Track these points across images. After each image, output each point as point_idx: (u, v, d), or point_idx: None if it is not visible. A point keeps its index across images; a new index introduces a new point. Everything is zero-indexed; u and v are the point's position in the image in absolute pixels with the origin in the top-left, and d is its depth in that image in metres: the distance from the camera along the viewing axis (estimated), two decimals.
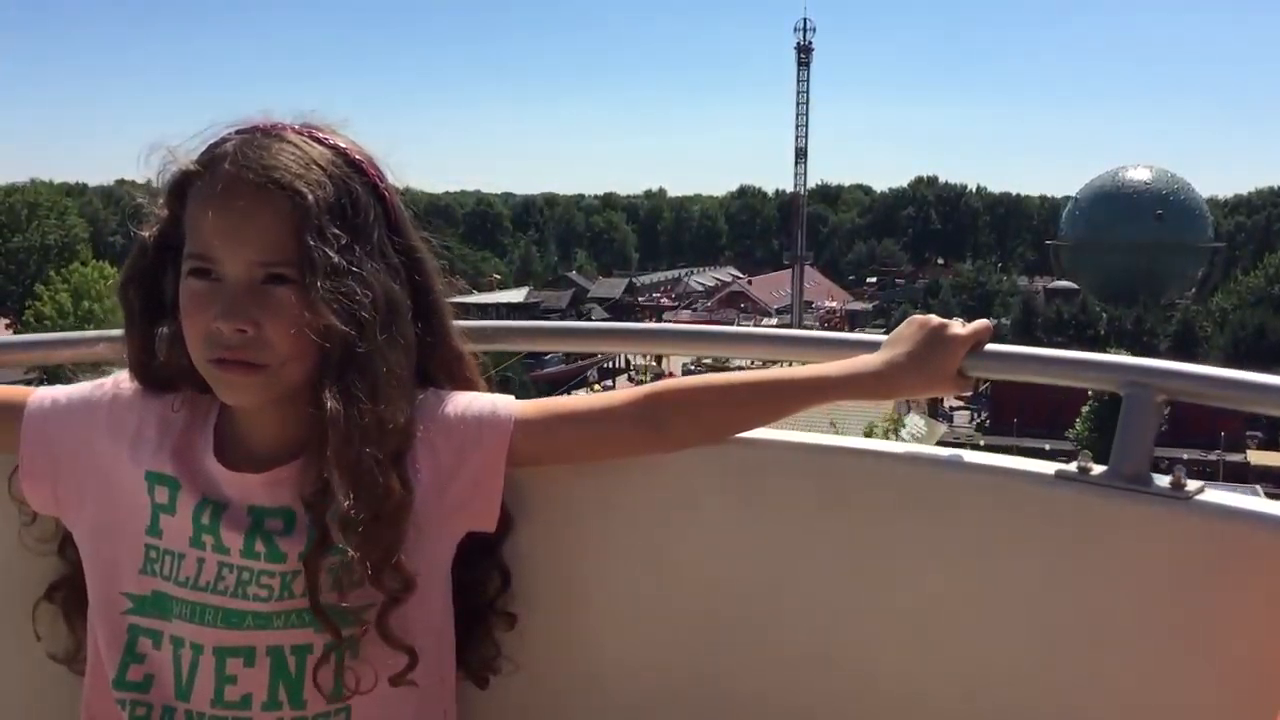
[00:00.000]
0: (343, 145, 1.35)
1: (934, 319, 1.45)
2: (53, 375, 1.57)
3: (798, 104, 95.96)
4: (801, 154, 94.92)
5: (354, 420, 1.29)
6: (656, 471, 1.48)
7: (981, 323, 1.44)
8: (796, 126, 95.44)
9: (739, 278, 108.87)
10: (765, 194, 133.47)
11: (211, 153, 1.31)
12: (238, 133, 1.33)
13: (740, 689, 1.52)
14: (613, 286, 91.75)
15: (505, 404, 1.44)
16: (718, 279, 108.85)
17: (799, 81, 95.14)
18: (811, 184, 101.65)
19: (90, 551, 1.41)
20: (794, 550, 1.49)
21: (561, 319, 51.34)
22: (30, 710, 1.59)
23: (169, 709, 1.37)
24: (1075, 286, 75.19)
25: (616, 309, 75.53)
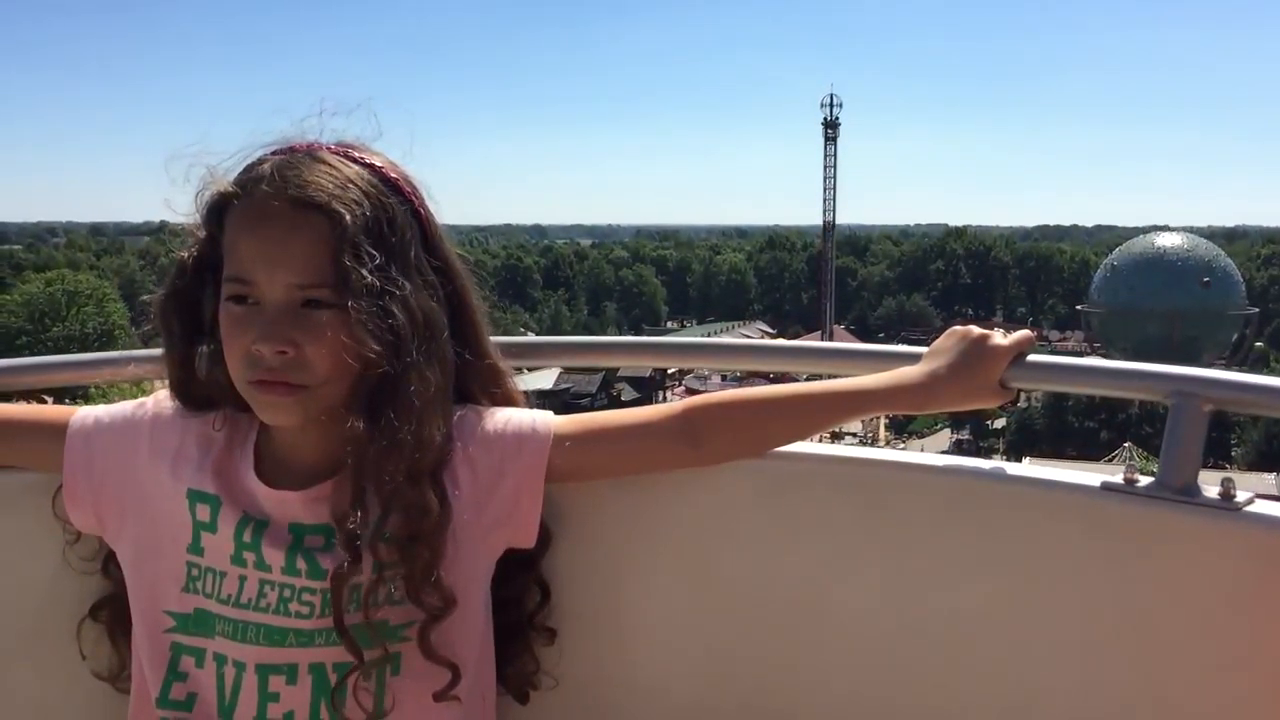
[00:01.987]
0: (378, 164, 1.36)
1: (975, 330, 1.43)
2: (58, 395, 1.56)
3: (825, 178, 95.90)
4: (830, 228, 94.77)
5: (389, 439, 1.29)
6: (695, 486, 1.47)
7: (1023, 333, 1.42)
8: (824, 200, 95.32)
9: (768, 332, 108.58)
10: (794, 245, 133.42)
11: (248, 174, 1.32)
12: (274, 153, 1.33)
13: (780, 706, 1.50)
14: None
15: (544, 420, 1.44)
16: (745, 335, 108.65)
17: (826, 156, 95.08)
18: (840, 219, 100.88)
19: (133, 570, 1.42)
20: (834, 565, 1.47)
21: (592, 401, 51.30)
22: None
23: None
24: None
25: (644, 384, 75.47)
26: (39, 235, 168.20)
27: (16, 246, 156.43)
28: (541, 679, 1.52)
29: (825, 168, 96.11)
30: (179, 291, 1.38)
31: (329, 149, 1.35)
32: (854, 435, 42.22)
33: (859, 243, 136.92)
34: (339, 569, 1.30)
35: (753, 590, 1.50)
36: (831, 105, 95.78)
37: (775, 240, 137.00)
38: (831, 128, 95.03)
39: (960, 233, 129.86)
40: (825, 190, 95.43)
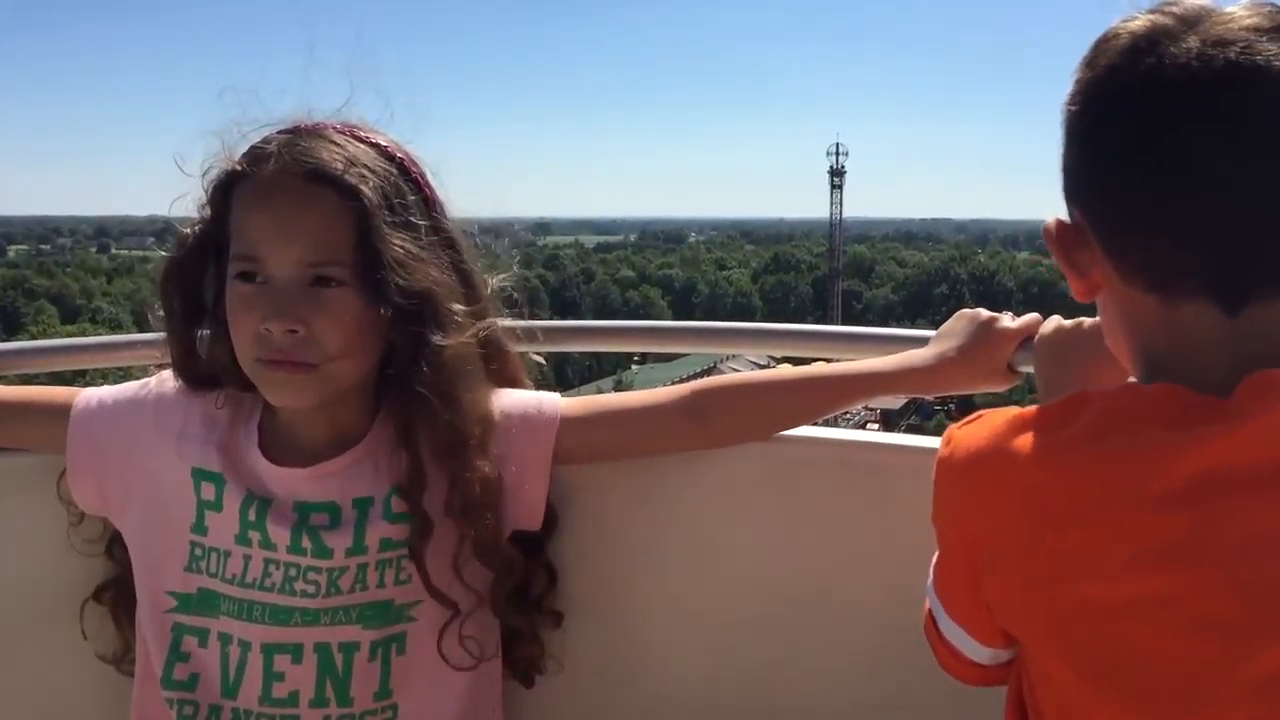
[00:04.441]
0: (383, 143, 1.36)
1: (983, 312, 1.44)
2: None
3: (831, 223, 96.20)
4: (837, 274, 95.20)
5: (427, 409, 1.30)
6: (703, 470, 1.47)
7: (1032, 316, 1.41)
8: (831, 243, 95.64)
9: (775, 360, 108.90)
10: (800, 266, 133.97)
11: (256, 152, 1.31)
12: (280, 132, 1.33)
13: (787, 691, 1.50)
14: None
15: (551, 401, 1.44)
16: (754, 364, 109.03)
17: (832, 204, 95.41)
18: (846, 212, 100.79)
19: (137, 550, 1.42)
20: (842, 549, 1.47)
21: None
22: (80, 712, 1.58)
23: (215, 707, 1.36)
24: None
25: None
26: (44, 236, 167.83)
27: (23, 246, 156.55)
28: (547, 663, 1.51)
29: (832, 214, 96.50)
30: (180, 264, 1.37)
31: (334, 127, 1.35)
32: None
33: (865, 264, 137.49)
34: (417, 539, 1.32)
35: (760, 574, 1.50)
36: (837, 154, 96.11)
37: (781, 260, 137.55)
38: (838, 175, 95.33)
39: (965, 257, 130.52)
40: (832, 240, 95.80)
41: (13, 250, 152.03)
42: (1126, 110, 0.92)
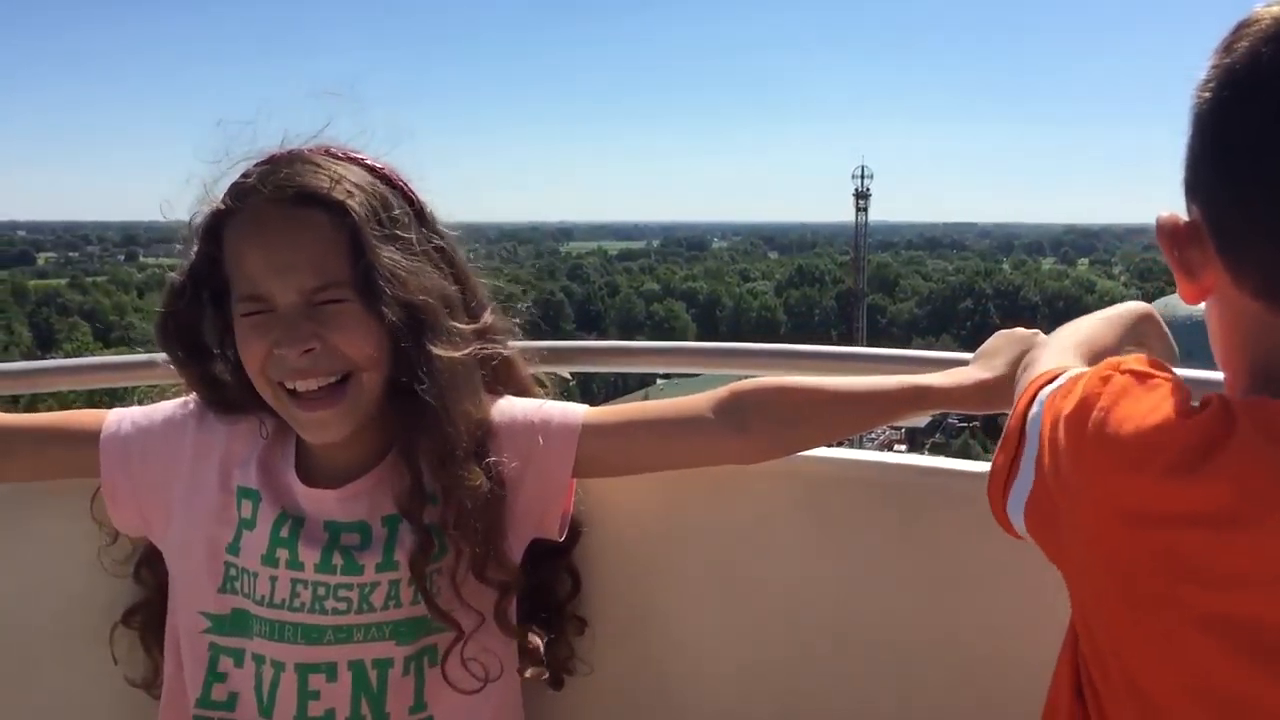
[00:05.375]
0: (361, 157, 1.37)
1: (1022, 330, 1.41)
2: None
3: (856, 245, 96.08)
4: (859, 294, 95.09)
5: (425, 421, 1.30)
6: (729, 487, 1.46)
7: None
8: (856, 260, 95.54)
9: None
10: (824, 279, 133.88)
11: (237, 188, 1.31)
12: (257, 165, 1.33)
13: (815, 708, 1.49)
14: None
15: (573, 411, 1.41)
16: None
17: (856, 226, 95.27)
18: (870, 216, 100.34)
19: (176, 570, 1.42)
20: (869, 570, 1.45)
21: None
22: None
23: None
24: None
25: None
26: (72, 243, 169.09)
27: (52, 254, 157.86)
28: (576, 664, 1.52)
29: (856, 235, 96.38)
30: (175, 314, 1.37)
31: (311, 150, 1.35)
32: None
33: (889, 278, 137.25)
34: (417, 556, 1.32)
35: (785, 594, 1.49)
36: (863, 176, 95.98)
37: (805, 273, 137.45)
38: (863, 198, 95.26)
39: (989, 272, 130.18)
40: (857, 262, 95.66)
41: (42, 258, 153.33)
42: (1261, 101, 0.85)
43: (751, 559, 1.50)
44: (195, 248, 1.35)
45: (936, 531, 1.40)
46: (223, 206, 1.32)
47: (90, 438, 1.43)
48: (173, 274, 1.37)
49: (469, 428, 1.33)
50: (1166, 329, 1.38)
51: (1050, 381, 0.98)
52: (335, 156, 1.36)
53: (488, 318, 1.42)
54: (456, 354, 1.33)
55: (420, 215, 1.39)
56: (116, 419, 1.45)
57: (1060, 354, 1.20)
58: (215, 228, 1.33)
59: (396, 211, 1.34)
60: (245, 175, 1.33)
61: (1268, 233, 0.86)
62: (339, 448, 1.38)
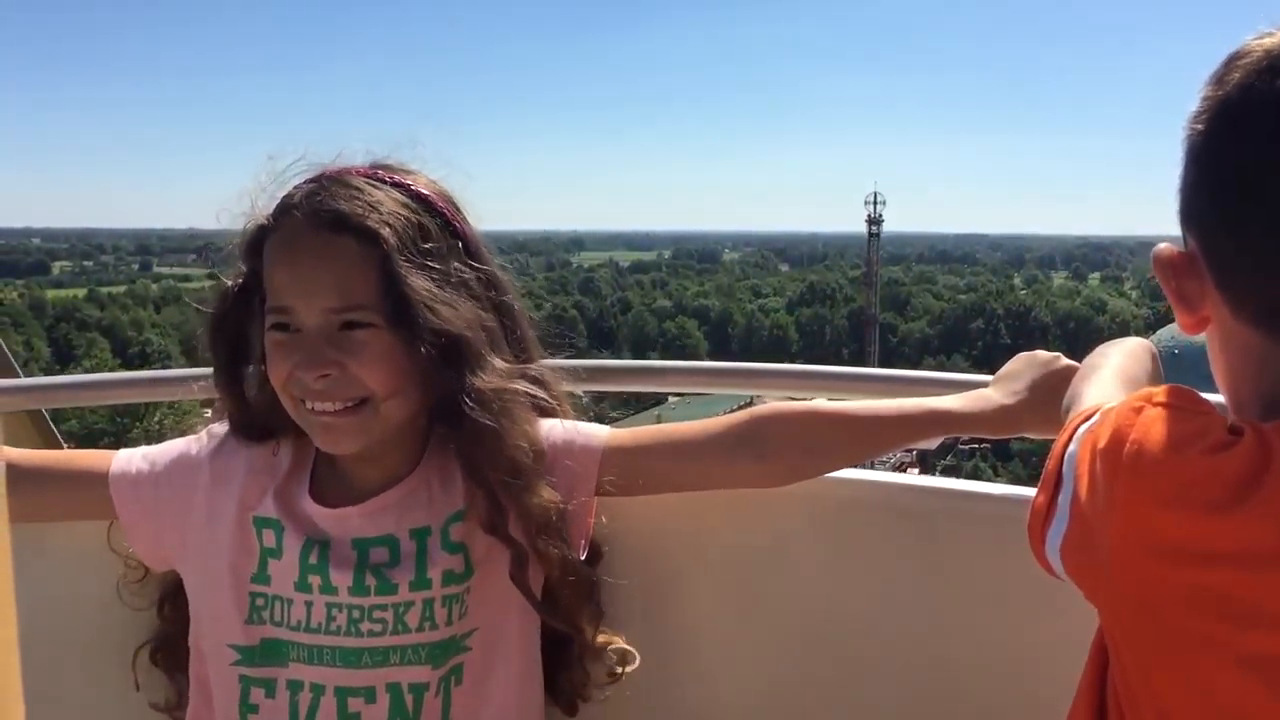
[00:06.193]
0: (408, 182, 1.37)
1: (1042, 354, 1.40)
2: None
3: (868, 266, 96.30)
4: (873, 318, 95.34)
5: (497, 437, 1.32)
6: (750, 508, 1.46)
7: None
8: (867, 280, 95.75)
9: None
10: (835, 297, 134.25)
11: (282, 205, 1.35)
12: (306, 182, 1.36)
13: None
14: None
15: (596, 432, 1.43)
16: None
17: (869, 250, 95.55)
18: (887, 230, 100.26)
19: (198, 604, 1.42)
20: (890, 593, 1.45)
21: None
22: None
23: None
24: None
25: None
26: (86, 252, 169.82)
27: (66, 263, 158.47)
28: (591, 691, 1.51)
29: (868, 261, 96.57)
30: (222, 318, 1.40)
31: (357, 171, 1.36)
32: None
33: (900, 297, 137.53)
34: (516, 569, 1.34)
35: (805, 615, 1.49)
36: (875, 202, 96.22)
37: (816, 290, 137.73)
38: (875, 224, 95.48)
39: (1000, 292, 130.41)
40: (870, 287, 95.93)
41: (57, 267, 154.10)
42: (1254, 132, 0.87)
43: (771, 580, 1.50)
44: (242, 260, 1.38)
45: (956, 553, 1.41)
46: (265, 223, 1.35)
47: (97, 479, 1.44)
48: (225, 281, 1.40)
49: (529, 444, 1.36)
50: (1161, 369, 1.35)
51: (1088, 419, 0.96)
52: (381, 180, 1.36)
53: (533, 347, 1.44)
54: (498, 385, 1.33)
55: (465, 244, 1.39)
56: (125, 457, 1.46)
57: (1101, 387, 1.17)
58: (257, 242, 1.36)
59: (434, 242, 1.34)
60: (291, 193, 1.35)
61: (1264, 263, 0.87)
62: (362, 465, 1.39)
